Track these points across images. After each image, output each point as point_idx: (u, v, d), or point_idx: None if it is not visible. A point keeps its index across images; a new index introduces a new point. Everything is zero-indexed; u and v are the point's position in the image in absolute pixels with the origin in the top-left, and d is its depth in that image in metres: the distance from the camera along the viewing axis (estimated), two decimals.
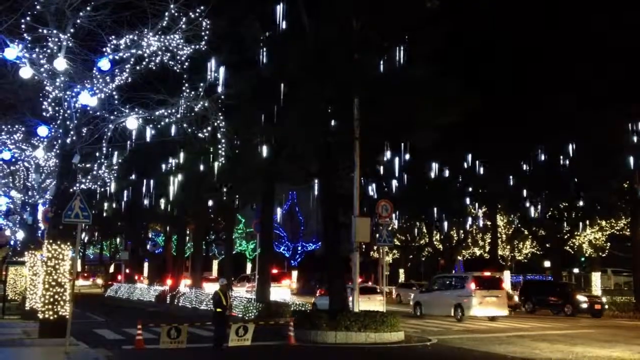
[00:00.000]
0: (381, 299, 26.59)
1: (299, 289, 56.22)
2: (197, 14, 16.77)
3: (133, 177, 31.31)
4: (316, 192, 25.98)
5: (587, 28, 25.98)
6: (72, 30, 16.61)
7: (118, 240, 69.78)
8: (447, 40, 20.59)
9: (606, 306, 31.61)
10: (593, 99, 26.64)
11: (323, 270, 28.17)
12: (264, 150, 24.24)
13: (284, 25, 20.05)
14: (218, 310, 17.35)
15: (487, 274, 30.44)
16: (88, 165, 19.22)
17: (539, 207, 36.05)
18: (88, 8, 16.41)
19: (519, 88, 27.72)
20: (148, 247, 54.91)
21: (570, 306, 31.11)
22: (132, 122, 17.58)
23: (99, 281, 65.30)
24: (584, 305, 30.78)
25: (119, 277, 59.65)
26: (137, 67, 17.24)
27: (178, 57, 17.28)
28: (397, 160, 26.54)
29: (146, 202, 35.84)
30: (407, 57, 19.60)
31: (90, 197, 23.70)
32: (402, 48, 19.62)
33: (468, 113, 21.20)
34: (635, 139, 28.38)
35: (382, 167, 29.41)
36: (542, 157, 31.20)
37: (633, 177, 30.26)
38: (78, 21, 16.64)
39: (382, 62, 19.98)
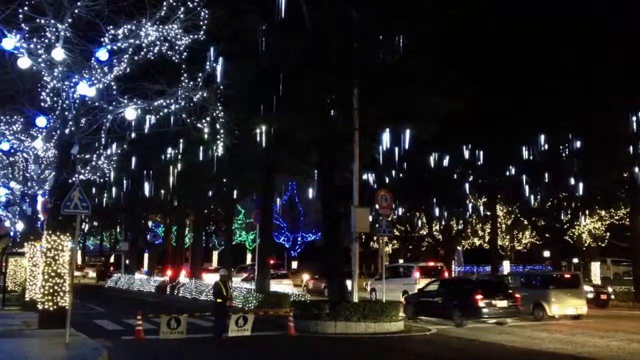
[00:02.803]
0: (289, 283, 35.34)
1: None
2: (195, 4, 16.65)
3: (132, 167, 31.24)
4: (316, 183, 25.97)
5: (588, 15, 25.86)
6: (69, 20, 16.50)
7: (118, 230, 69.70)
8: (448, 29, 20.48)
9: (612, 296, 31.26)
10: (593, 88, 26.53)
11: (323, 261, 28.25)
12: (264, 141, 24.18)
13: (283, 14, 19.94)
14: (218, 300, 17.38)
15: (431, 264, 34.14)
16: (87, 156, 19.17)
17: (539, 197, 35.99)
18: None
19: (520, 78, 27.59)
20: (148, 237, 54.92)
21: None
22: (130, 113, 17.51)
23: (91, 274, 64.59)
24: (590, 296, 30.38)
25: (111, 269, 59.95)
26: (136, 57, 17.15)
27: (176, 47, 17.18)
28: (396, 150, 26.47)
29: (146, 192, 35.83)
30: (407, 46, 19.50)
31: (89, 188, 23.68)
32: (402, 37, 19.53)
33: (468, 103, 21.14)
34: (635, 128, 28.26)
35: (381, 157, 29.35)
36: (542, 147, 31.09)
37: (632, 166, 30.14)
38: (76, 11, 16.52)
39: (381, 52, 19.89)
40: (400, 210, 45.49)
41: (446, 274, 33.71)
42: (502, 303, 21.32)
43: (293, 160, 27.16)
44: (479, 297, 21.01)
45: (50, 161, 21.87)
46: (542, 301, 23.35)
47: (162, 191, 36.25)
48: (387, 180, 33.39)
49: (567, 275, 26.10)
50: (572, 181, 31.90)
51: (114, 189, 34.57)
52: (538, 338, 18.08)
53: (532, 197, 35.81)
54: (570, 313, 23.36)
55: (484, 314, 21.07)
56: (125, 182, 34.58)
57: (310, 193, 37.44)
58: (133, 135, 19.71)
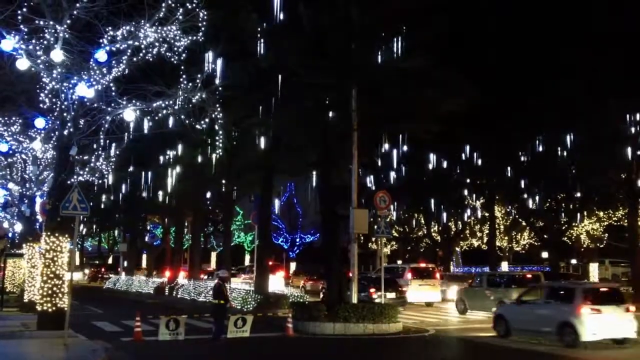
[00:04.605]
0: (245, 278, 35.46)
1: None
2: (193, 5, 16.68)
3: (131, 168, 31.21)
4: (314, 184, 25.94)
5: (588, 15, 25.85)
6: (68, 21, 16.50)
7: (116, 232, 69.60)
8: (448, 29, 20.45)
9: None
10: (592, 89, 26.53)
11: (321, 262, 28.29)
12: (262, 142, 24.16)
13: (281, 15, 19.91)
14: (220, 302, 17.32)
15: (423, 265, 34.96)
16: (85, 157, 19.15)
17: (537, 198, 36.00)
18: None
19: (520, 78, 27.60)
20: (146, 238, 54.84)
21: None
22: (129, 114, 17.52)
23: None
24: None
25: (103, 270, 60.07)
26: (134, 59, 17.15)
27: (175, 49, 17.19)
28: (395, 151, 26.49)
29: (144, 193, 35.76)
30: (407, 46, 19.47)
31: (88, 189, 23.66)
32: (401, 37, 19.50)
33: (467, 104, 21.12)
34: (633, 129, 28.28)
35: (380, 158, 29.34)
36: (541, 148, 31.10)
37: (631, 167, 30.16)
38: (75, 12, 16.53)
39: (380, 52, 19.87)
40: (400, 211, 45.51)
41: (437, 275, 34.23)
42: (392, 295, 26.22)
43: (292, 160, 27.12)
44: (372, 290, 25.96)
45: (48, 162, 21.86)
46: (505, 299, 24.23)
47: (161, 192, 36.21)
48: (385, 180, 33.40)
49: (529, 275, 27.46)
50: (571, 182, 31.94)
51: (112, 190, 34.52)
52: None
53: (530, 198, 35.85)
54: None
55: None
56: (124, 182, 34.53)
57: (309, 194, 37.46)
58: (131, 136, 19.71)
